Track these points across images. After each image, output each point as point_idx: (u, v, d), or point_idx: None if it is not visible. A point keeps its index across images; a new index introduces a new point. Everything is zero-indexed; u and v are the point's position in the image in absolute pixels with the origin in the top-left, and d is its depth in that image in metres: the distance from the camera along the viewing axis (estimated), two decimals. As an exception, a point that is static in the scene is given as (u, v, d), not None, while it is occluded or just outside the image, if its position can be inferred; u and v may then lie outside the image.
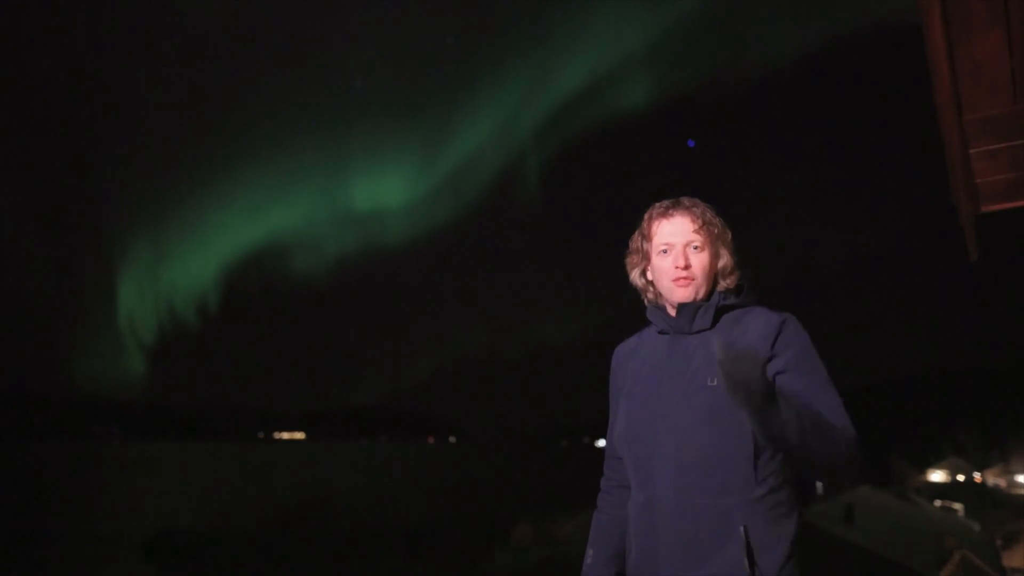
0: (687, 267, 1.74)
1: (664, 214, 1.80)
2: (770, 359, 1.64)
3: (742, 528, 1.57)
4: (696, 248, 1.75)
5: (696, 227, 1.75)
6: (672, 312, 1.79)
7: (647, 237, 1.82)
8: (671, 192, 1.84)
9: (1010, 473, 73.18)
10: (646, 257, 1.84)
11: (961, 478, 75.41)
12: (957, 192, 2.81)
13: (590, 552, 1.91)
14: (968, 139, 2.58)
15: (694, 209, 1.78)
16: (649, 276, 1.84)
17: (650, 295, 1.86)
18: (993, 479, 74.00)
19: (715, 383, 1.63)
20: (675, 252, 1.76)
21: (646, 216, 1.84)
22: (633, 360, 1.88)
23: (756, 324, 1.70)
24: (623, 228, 1.88)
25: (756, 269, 1.83)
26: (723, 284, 1.78)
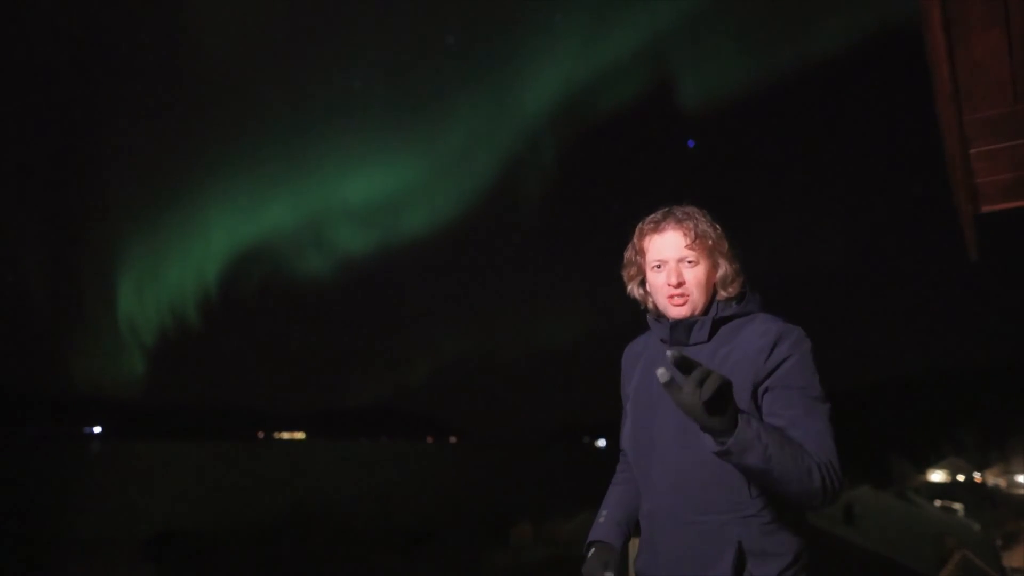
0: (680, 284, 1.70)
1: (655, 229, 1.75)
2: (764, 376, 1.61)
3: (737, 543, 1.57)
4: (690, 263, 1.71)
5: (688, 241, 1.71)
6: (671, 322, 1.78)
7: (640, 252, 1.79)
8: (671, 192, 1.81)
9: (1010, 473, 73.26)
10: (641, 271, 1.81)
11: (961, 478, 75.40)
12: (957, 192, 2.81)
13: (602, 513, 1.92)
14: (968, 139, 2.58)
15: (687, 222, 1.73)
16: (648, 287, 1.82)
17: (650, 305, 1.83)
18: (993, 479, 74.05)
19: None
20: (668, 269, 1.72)
21: (637, 230, 1.80)
22: (639, 363, 1.88)
23: (753, 336, 1.65)
24: (624, 227, 1.86)
25: (755, 270, 1.80)
26: (723, 294, 1.74)
